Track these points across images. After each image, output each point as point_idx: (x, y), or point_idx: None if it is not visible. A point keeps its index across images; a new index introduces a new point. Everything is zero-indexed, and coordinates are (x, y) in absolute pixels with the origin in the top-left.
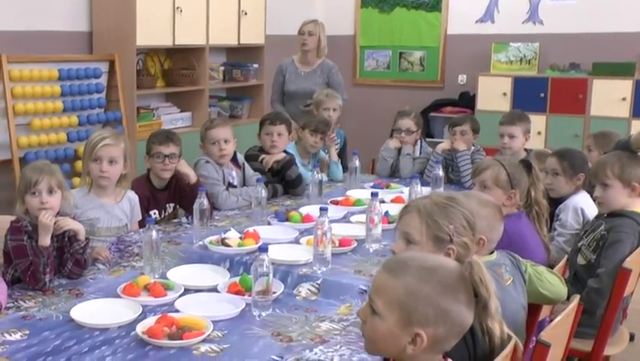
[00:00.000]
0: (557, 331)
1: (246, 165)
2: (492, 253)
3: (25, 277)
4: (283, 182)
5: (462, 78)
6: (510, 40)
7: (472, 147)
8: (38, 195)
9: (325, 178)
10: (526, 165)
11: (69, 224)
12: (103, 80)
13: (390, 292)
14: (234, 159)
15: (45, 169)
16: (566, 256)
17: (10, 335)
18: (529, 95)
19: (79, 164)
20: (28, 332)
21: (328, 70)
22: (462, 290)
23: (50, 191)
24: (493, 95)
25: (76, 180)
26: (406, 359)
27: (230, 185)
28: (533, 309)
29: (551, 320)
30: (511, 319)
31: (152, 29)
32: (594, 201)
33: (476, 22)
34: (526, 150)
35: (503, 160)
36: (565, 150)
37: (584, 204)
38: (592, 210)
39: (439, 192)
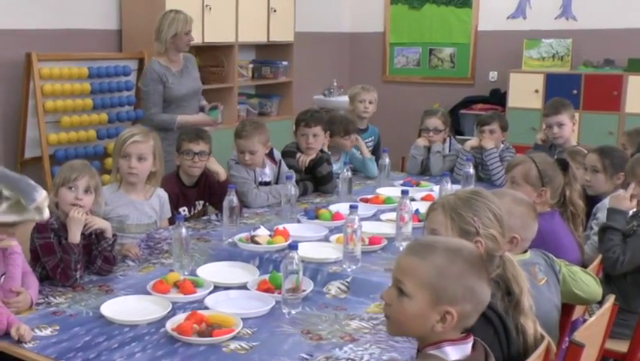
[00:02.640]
0: (592, 331)
1: (282, 161)
2: (525, 251)
3: (55, 274)
4: (314, 179)
5: (493, 75)
6: (542, 36)
7: (502, 145)
8: (74, 190)
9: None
10: (563, 163)
11: (97, 223)
12: (132, 78)
13: (420, 273)
14: (270, 155)
15: (86, 169)
16: (600, 256)
17: (41, 331)
18: (561, 92)
19: (108, 161)
20: (58, 328)
21: (192, 60)
22: (483, 268)
23: (87, 190)
24: (525, 92)
25: (106, 178)
26: (432, 337)
27: (262, 183)
28: (567, 309)
29: (585, 320)
30: (544, 319)
31: None
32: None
33: (507, 18)
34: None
35: (536, 157)
36: (607, 148)
37: None
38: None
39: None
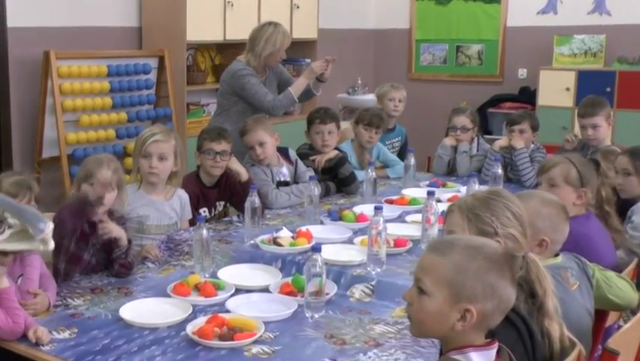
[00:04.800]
0: (626, 338)
1: (299, 160)
2: (557, 255)
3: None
4: (336, 180)
5: (522, 72)
6: (574, 32)
7: (532, 145)
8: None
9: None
10: (594, 163)
11: (112, 230)
12: (152, 76)
13: (439, 270)
14: (286, 155)
15: (110, 164)
16: (635, 260)
17: (59, 333)
18: (594, 90)
19: (128, 161)
20: (76, 331)
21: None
22: (506, 267)
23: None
24: (556, 89)
25: (126, 178)
26: (454, 337)
27: (280, 183)
28: (600, 315)
29: (619, 327)
30: (577, 325)
31: (203, 24)
32: None
33: (537, 13)
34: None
35: (572, 157)
36: (638, 148)
37: None
38: None
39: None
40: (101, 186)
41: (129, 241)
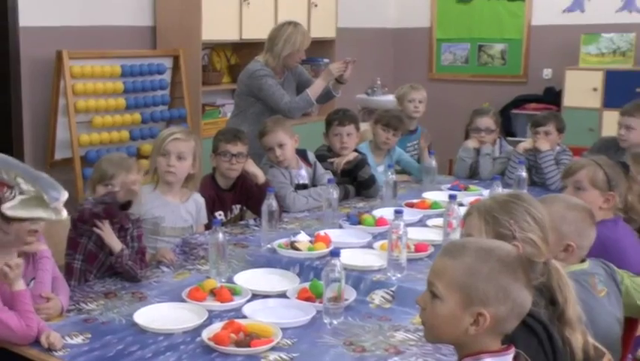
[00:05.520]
0: None
1: (317, 163)
2: (584, 261)
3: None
4: (355, 183)
5: (547, 72)
6: (602, 30)
7: (557, 147)
8: (111, 188)
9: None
10: (623, 166)
11: (108, 240)
12: (167, 77)
13: (450, 274)
14: (304, 157)
15: (123, 164)
16: None
17: (72, 339)
18: (623, 91)
19: (142, 163)
20: (90, 336)
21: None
22: (520, 270)
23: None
24: (582, 90)
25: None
26: (468, 343)
27: (299, 186)
28: (630, 323)
29: None
30: (605, 333)
31: (218, 23)
32: None
33: (564, 11)
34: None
35: (599, 160)
36: None
37: None
38: None
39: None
40: (123, 188)
41: (122, 250)
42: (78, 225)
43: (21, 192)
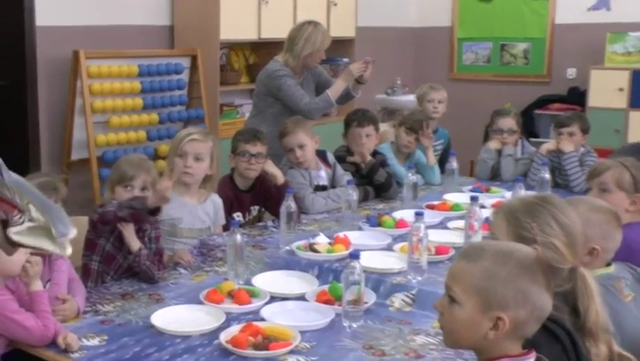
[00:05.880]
0: None
1: (337, 164)
2: (609, 264)
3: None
4: (373, 185)
5: (571, 72)
6: (628, 29)
7: (582, 149)
8: (131, 190)
9: (422, 181)
10: None
11: (127, 235)
12: (184, 76)
13: (468, 277)
14: (324, 158)
15: (143, 165)
16: None
17: (88, 340)
18: None
19: (159, 163)
20: (106, 338)
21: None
22: (539, 272)
23: (143, 189)
24: (608, 90)
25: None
26: (487, 348)
27: (318, 187)
28: None
29: None
30: (631, 338)
31: (237, 22)
32: None
33: (588, 9)
34: None
35: (625, 161)
36: None
37: None
38: None
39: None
40: (137, 191)
41: (140, 249)
42: (99, 226)
43: (30, 219)
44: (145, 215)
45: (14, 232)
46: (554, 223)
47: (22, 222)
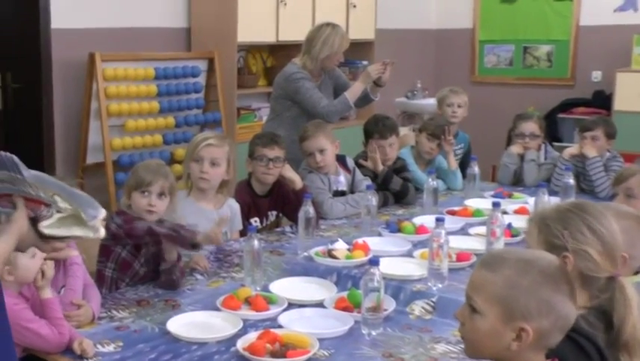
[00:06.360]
0: None
1: (356, 169)
2: (637, 273)
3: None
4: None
5: (596, 75)
6: None
7: (607, 154)
8: (148, 195)
9: (443, 186)
10: None
11: (165, 247)
12: (201, 79)
13: (490, 287)
14: (343, 163)
15: (161, 171)
16: None
17: (103, 346)
18: None
19: (175, 167)
20: (122, 344)
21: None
22: (563, 281)
23: (161, 195)
24: (634, 94)
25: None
26: (510, 359)
27: (337, 193)
28: None
29: None
30: None
31: (254, 25)
32: None
33: (614, 11)
34: None
35: None
36: None
37: None
38: None
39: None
40: (154, 197)
41: (178, 258)
42: (123, 239)
43: (58, 211)
44: (186, 245)
45: (45, 226)
46: (587, 231)
47: (52, 215)
